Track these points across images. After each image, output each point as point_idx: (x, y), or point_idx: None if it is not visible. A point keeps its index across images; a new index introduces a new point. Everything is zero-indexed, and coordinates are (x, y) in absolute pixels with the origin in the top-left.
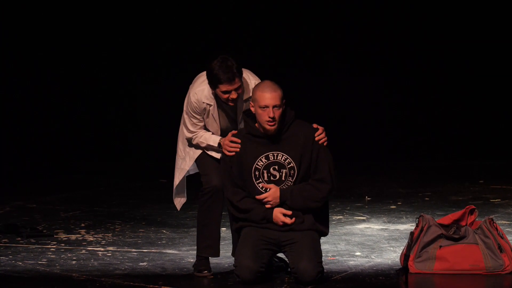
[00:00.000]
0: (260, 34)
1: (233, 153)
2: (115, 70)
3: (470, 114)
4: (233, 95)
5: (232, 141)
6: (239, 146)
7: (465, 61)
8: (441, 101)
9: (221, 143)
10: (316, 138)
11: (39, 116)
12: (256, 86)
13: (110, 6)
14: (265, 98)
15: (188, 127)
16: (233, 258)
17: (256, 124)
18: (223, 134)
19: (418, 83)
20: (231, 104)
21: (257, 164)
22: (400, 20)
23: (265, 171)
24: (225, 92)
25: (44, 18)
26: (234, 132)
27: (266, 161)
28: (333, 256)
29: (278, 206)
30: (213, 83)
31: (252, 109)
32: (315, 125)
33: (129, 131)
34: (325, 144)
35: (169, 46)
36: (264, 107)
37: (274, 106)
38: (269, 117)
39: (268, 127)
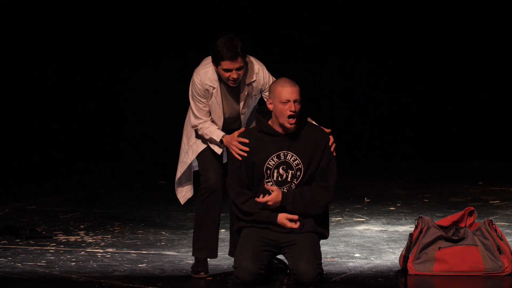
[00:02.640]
0: (259, 31)
1: (244, 155)
2: (115, 71)
3: (469, 115)
4: (234, 75)
5: (240, 142)
6: (247, 149)
7: (464, 62)
8: (441, 102)
9: (224, 141)
10: (332, 148)
11: (38, 117)
12: (274, 82)
13: (107, 5)
14: (286, 92)
15: (194, 112)
16: (232, 260)
17: (269, 122)
18: (227, 120)
19: (418, 84)
20: (231, 84)
21: (268, 163)
22: (401, 19)
23: (275, 170)
24: (226, 70)
25: (41, 16)
26: (241, 130)
27: (277, 160)
28: (332, 257)
29: (278, 209)
30: (216, 59)
31: (270, 106)
32: (326, 130)
33: (128, 132)
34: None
35: (170, 46)
36: (285, 102)
37: (295, 101)
38: (291, 111)
39: (288, 125)
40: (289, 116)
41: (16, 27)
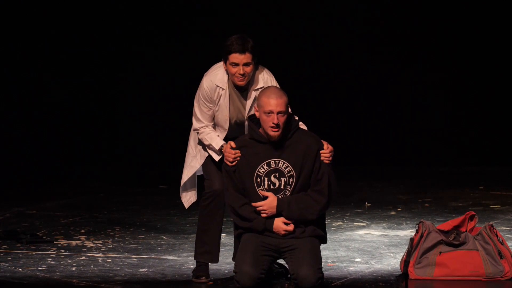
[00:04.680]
0: (262, 32)
1: (235, 163)
2: (115, 73)
3: (470, 119)
4: (241, 70)
5: (233, 150)
6: (239, 155)
7: (466, 66)
8: (442, 107)
9: (222, 150)
10: (322, 155)
11: (39, 121)
12: (262, 91)
13: (107, 5)
14: (270, 104)
15: (197, 116)
16: (233, 264)
17: (260, 130)
18: (232, 125)
19: (419, 88)
20: (239, 82)
21: (258, 171)
22: (404, 24)
23: (266, 178)
24: (234, 65)
25: (38, 16)
26: (232, 144)
27: (267, 168)
28: (333, 262)
29: (274, 216)
30: (225, 53)
31: (257, 113)
32: (325, 143)
33: (129, 136)
34: (326, 162)
35: (171, 50)
36: (268, 113)
37: (278, 113)
38: (273, 123)
39: (272, 133)
40: (272, 127)
41: (14, 26)
